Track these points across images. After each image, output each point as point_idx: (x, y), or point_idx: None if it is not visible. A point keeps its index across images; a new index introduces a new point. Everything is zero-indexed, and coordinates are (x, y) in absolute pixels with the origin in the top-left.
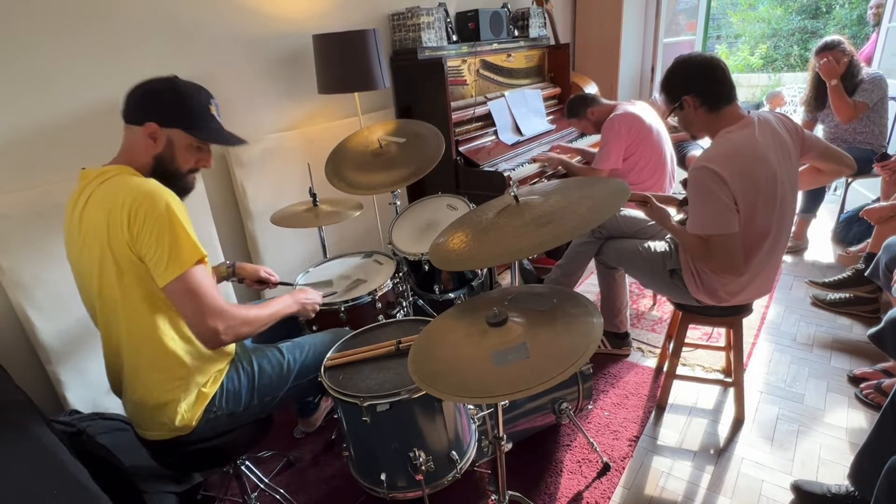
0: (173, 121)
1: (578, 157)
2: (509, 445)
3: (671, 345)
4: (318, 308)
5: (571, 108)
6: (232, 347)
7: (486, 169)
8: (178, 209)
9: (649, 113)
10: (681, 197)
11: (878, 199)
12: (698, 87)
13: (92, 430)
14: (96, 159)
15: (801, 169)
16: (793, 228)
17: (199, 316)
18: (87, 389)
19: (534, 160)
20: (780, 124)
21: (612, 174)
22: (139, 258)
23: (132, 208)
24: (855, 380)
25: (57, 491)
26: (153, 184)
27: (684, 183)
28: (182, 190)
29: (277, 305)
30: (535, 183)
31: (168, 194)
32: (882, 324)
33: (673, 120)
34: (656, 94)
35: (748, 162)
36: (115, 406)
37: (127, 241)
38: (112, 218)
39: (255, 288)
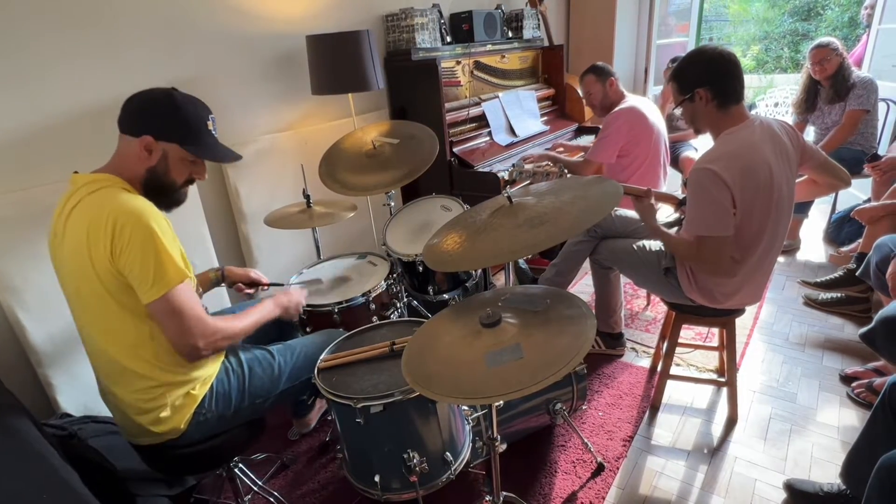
0: (169, 135)
1: (581, 154)
2: (504, 446)
3: (665, 345)
4: (301, 308)
5: (600, 68)
6: (220, 355)
7: (480, 170)
8: (161, 229)
9: (653, 112)
10: (681, 196)
11: (869, 200)
12: (714, 80)
13: (83, 434)
14: (86, 162)
15: (797, 181)
16: None
17: (181, 334)
18: (79, 392)
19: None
20: (782, 130)
21: (602, 169)
22: (120, 273)
23: (116, 224)
24: (847, 379)
25: (47, 495)
26: (140, 202)
27: (686, 184)
28: (174, 202)
29: (258, 313)
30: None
31: (153, 213)
32: (873, 323)
33: (678, 112)
34: (651, 95)
35: (749, 162)
36: (106, 409)
37: (108, 256)
38: (93, 230)
39: (245, 292)
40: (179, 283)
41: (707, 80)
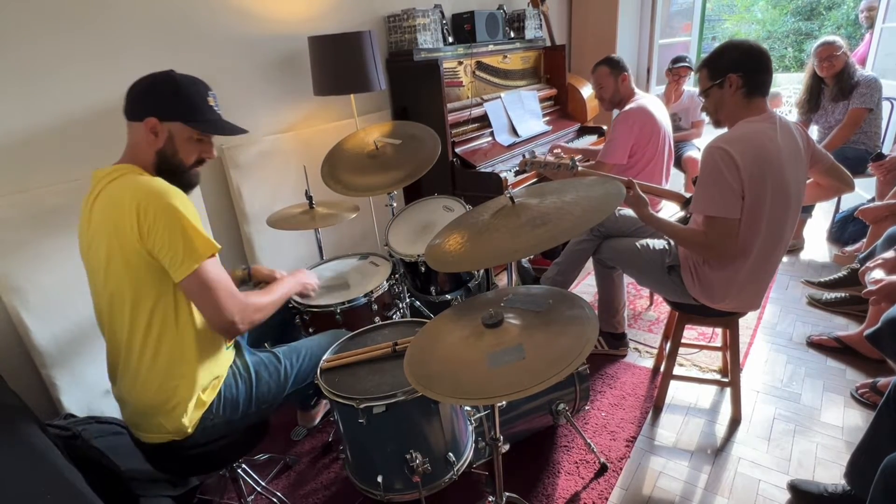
0: (172, 114)
1: (579, 157)
2: (506, 447)
3: (668, 345)
4: (316, 288)
5: (615, 62)
6: (231, 354)
7: (482, 170)
8: (184, 207)
9: (661, 110)
10: (687, 196)
11: (873, 199)
12: (748, 68)
13: (87, 434)
14: (88, 163)
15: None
16: None
17: (216, 308)
18: (83, 393)
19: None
20: (797, 131)
21: (614, 170)
22: (150, 254)
23: (140, 206)
24: (813, 345)
25: (51, 495)
26: (159, 182)
27: (695, 181)
28: (187, 185)
29: (284, 288)
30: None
31: (174, 192)
32: (879, 324)
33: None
34: (654, 95)
35: (764, 153)
36: (110, 409)
37: (136, 239)
38: (118, 216)
39: None
40: (209, 256)
41: (741, 67)
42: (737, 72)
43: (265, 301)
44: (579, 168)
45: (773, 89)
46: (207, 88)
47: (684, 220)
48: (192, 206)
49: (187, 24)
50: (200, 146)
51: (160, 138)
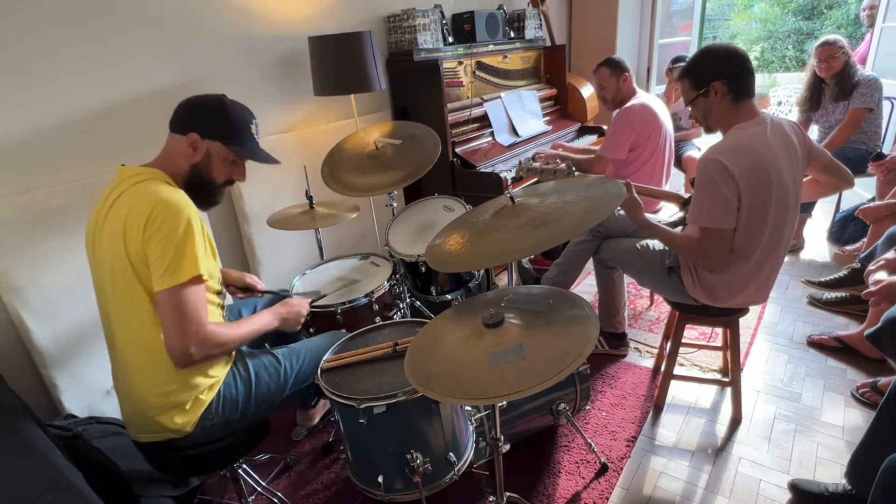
0: (215, 133)
1: (581, 157)
2: (507, 447)
3: (668, 345)
4: (302, 319)
5: (616, 63)
6: (230, 358)
7: (482, 170)
8: (196, 227)
9: (662, 109)
10: (686, 196)
11: (873, 199)
12: (730, 73)
13: (88, 435)
14: (90, 163)
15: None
16: None
17: (177, 333)
18: (83, 393)
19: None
20: (791, 130)
21: (616, 166)
22: (146, 256)
23: (153, 212)
24: (813, 344)
25: (52, 496)
26: (180, 196)
27: (693, 181)
28: (211, 201)
29: (256, 324)
30: (536, 182)
31: (192, 209)
32: (880, 324)
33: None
34: (654, 95)
35: (759, 159)
36: (111, 410)
37: (140, 240)
38: (131, 216)
39: (239, 296)
40: (188, 279)
41: (723, 74)
42: (720, 79)
43: (230, 337)
44: (575, 173)
45: (769, 90)
46: (252, 116)
47: (684, 221)
48: (203, 226)
49: (188, 24)
50: (234, 168)
51: (198, 153)
